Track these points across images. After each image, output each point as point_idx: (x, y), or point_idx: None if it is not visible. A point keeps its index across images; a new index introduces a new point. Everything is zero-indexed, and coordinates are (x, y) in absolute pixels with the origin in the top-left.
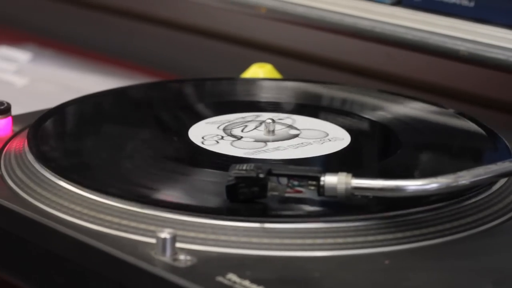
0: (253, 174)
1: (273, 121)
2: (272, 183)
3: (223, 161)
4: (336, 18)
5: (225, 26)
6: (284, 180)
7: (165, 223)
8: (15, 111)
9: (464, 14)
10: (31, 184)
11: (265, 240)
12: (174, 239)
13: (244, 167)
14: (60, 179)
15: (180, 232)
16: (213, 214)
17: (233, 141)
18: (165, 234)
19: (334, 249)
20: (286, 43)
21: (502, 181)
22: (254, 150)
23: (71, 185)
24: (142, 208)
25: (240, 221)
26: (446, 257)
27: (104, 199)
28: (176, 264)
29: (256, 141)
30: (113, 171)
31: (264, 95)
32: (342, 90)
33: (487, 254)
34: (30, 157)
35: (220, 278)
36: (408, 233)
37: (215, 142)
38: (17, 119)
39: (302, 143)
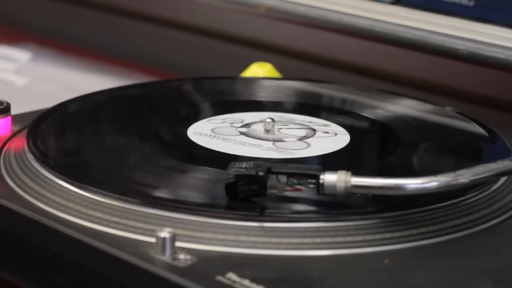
0: (253, 172)
1: (273, 120)
2: (271, 181)
3: (222, 159)
4: (335, 17)
5: (225, 26)
6: (283, 178)
7: (165, 222)
8: (14, 110)
9: (463, 13)
10: (31, 184)
11: (265, 239)
12: (173, 238)
13: (244, 165)
14: (59, 178)
15: (179, 231)
16: (213, 213)
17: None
18: (164, 233)
19: (333, 248)
20: (285, 42)
21: (502, 180)
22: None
23: (71, 184)
24: (141, 207)
25: (239, 220)
26: (446, 256)
27: (103, 198)
28: (176, 263)
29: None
30: (112, 170)
31: (264, 94)
32: (342, 89)
33: (487, 253)
34: (30, 156)
35: (219, 278)
36: (407, 232)
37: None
38: (16, 118)
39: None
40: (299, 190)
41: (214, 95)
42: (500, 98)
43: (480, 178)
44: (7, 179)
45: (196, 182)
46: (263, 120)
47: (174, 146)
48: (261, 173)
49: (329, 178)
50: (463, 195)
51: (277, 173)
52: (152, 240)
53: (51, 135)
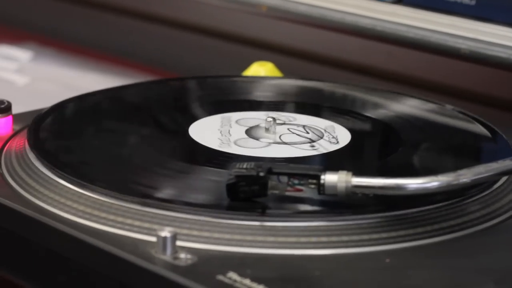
0: (253, 173)
1: (274, 119)
2: (272, 181)
3: (223, 159)
4: (337, 16)
5: (226, 25)
6: (284, 179)
7: (166, 221)
8: (15, 109)
9: (465, 12)
10: (32, 183)
11: (266, 239)
12: (174, 237)
13: (245, 166)
14: (60, 177)
15: (180, 231)
16: (214, 212)
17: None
18: (165, 232)
19: (334, 247)
20: (287, 41)
21: (503, 179)
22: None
23: (72, 183)
24: (142, 206)
25: (240, 220)
26: (447, 255)
27: (104, 197)
28: (177, 262)
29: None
30: (113, 169)
31: (265, 94)
32: (343, 89)
33: (488, 252)
34: (31, 155)
35: (220, 277)
36: (408, 231)
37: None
38: (17, 117)
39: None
40: (300, 190)
41: (215, 93)
42: (502, 97)
43: (481, 177)
44: (8, 178)
45: (197, 182)
46: (263, 119)
47: (175, 145)
48: (262, 174)
49: (329, 178)
50: (464, 195)
51: (278, 174)
52: (153, 239)
53: (52, 134)
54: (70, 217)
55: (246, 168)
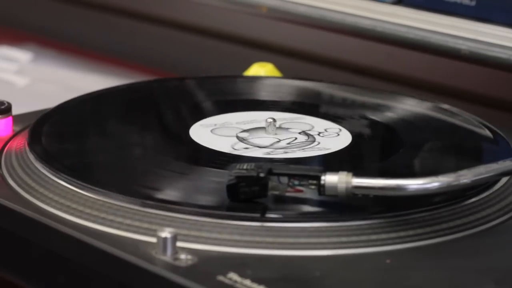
0: (254, 174)
1: (274, 120)
2: (272, 182)
3: (224, 160)
4: (337, 17)
5: (226, 26)
6: (284, 180)
7: (166, 222)
8: (15, 111)
9: (465, 13)
10: (32, 184)
11: (266, 239)
12: (175, 238)
13: (245, 167)
14: (60, 178)
15: (181, 231)
16: (214, 213)
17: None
18: (166, 233)
19: (335, 248)
20: (287, 42)
21: (503, 180)
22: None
23: (72, 184)
24: (143, 207)
25: (240, 220)
26: (448, 256)
27: (104, 198)
28: (177, 263)
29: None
30: (113, 170)
31: (265, 94)
32: (344, 89)
33: (488, 253)
34: (31, 156)
35: (221, 277)
36: (409, 232)
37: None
38: (17, 118)
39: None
40: (300, 191)
41: (215, 94)
42: (502, 97)
43: (482, 178)
44: (8, 179)
45: (197, 182)
46: (263, 120)
47: (176, 146)
48: (262, 174)
49: (330, 179)
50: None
51: (278, 174)
52: (153, 240)
53: (52, 135)
54: (70, 217)
55: (246, 169)
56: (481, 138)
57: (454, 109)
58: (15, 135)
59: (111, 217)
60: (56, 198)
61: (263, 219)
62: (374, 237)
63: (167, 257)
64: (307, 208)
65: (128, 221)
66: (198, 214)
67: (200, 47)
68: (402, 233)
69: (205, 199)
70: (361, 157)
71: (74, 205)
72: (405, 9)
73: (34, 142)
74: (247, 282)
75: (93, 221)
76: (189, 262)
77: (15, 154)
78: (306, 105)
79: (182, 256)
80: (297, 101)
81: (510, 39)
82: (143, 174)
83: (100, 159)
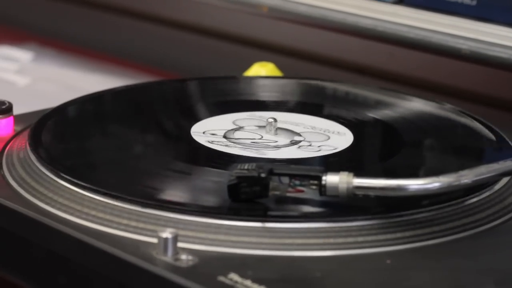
0: (255, 174)
1: (275, 120)
2: (273, 182)
3: (225, 160)
4: (338, 17)
5: (227, 25)
6: (285, 180)
7: (167, 222)
8: (16, 110)
9: (466, 12)
10: (33, 184)
11: (267, 240)
12: (175, 239)
13: (246, 167)
14: (62, 178)
15: (181, 232)
16: (215, 213)
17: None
18: (166, 234)
19: (335, 248)
20: (288, 42)
21: (504, 180)
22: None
23: (73, 185)
24: (144, 208)
25: (241, 221)
26: (448, 256)
27: (105, 199)
28: (178, 264)
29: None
30: (115, 171)
31: (266, 94)
32: (345, 89)
33: (489, 253)
34: (32, 156)
35: (221, 278)
36: (409, 233)
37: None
38: (18, 118)
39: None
40: (301, 191)
41: (216, 94)
42: (503, 97)
43: (483, 178)
44: (9, 179)
45: (198, 183)
46: (264, 120)
47: (177, 147)
48: (263, 175)
49: (331, 179)
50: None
51: (279, 175)
52: (154, 240)
53: (54, 135)
54: (71, 218)
55: (247, 169)
56: (482, 138)
57: (455, 109)
58: (16, 135)
59: (112, 218)
60: (57, 198)
61: (264, 220)
62: (374, 237)
63: (168, 257)
64: (308, 209)
65: (129, 222)
66: (199, 215)
67: (201, 47)
68: (402, 234)
69: (206, 200)
70: (362, 157)
71: (75, 206)
72: (406, 9)
73: (35, 142)
74: (248, 282)
75: (94, 222)
76: (190, 263)
77: (16, 154)
78: (307, 104)
79: (183, 256)
80: (298, 100)
81: (511, 39)
82: (143, 174)
83: (101, 159)
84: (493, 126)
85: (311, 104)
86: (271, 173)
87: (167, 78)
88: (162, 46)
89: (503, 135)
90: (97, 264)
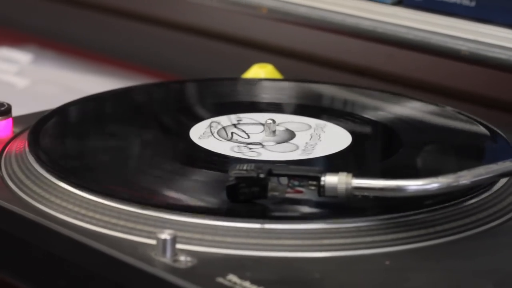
0: (254, 174)
1: (274, 121)
2: (272, 183)
3: (223, 162)
4: (337, 18)
5: (226, 27)
6: (284, 180)
7: (165, 224)
8: (15, 112)
9: (465, 13)
10: (32, 186)
11: (266, 241)
12: (174, 240)
13: (245, 167)
14: (60, 181)
15: (180, 233)
16: (213, 215)
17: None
18: (165, 235)
19: (334, 250)
20: (287, 43)
21: (503, 181)
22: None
23: (72, 186)
24: (142, 209)
25: (240, 222)
26: (447, 257)
27: (104, 201)
28: (177, 265)
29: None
30: (113, 172)
31: (265, 96)
32: (344, 90)
33: (488, 254)
34: (31, 158)
35: (220, 279)
36: (408, 234)
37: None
38: (17, 120)
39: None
40: (300, 192)
41: (215, 96)
42: (502, 98)
43: (481, 179)
44: (8, 181)
45: (197, 184)
46: (263, 121)
47: (176, 148)
48: (262, 175)
49: (330, 180)
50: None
51: (278, 175)
52: (153, 242)
53: (52, 137)
54: (70, 219)
55: (246, 170)
56: (481, 139)
57: (454, 110)
58: (15, 136)
59: (110, 219)
60: (55, 200)
61: (263, 221)
62: (373, 238)
63: (167, 259)
64: (307, 209)
65: (127, 223)
66: (197, 216)
67: (200, 48)
68: (401, 235)
69: (205, 201)
70: (361, 158)
71: (73, 207)
72: (405, 10)
73: (34, 143)
74: (247, 284)
75: (93, 223)
76: (189, 264)
77: (15, 156)
78: (305, 106)
79: (182, 258)
80: (297, 102)
81: (510, 40)
82: (143, 176)
83: (99, 161)
84: (492, 127)
85: (309, 105)
86: (270, 173)
87: (167, 79)
88: (161, 47)
89: (502, 135)
90: (96, 265)
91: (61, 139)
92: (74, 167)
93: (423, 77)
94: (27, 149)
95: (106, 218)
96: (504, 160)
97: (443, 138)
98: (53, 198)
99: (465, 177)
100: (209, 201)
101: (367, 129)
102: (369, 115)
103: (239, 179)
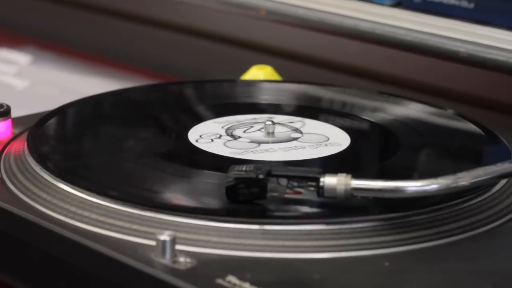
0: (253, 175)
1: (273, 122)
2: (271, 184)
3: (222, 163)
4: (336, 20)
5: (225, 28)
6: (283, 181)
7: (165, 225)
8: (15, 113)
9: (463, 15)
10: (31, 187)
11: (265, 242)
12: (174, 241)
13: (244, 168)
14: (60, 182)
15: (180, 234)
16: (213, 216)
17: (230, 141)
18: (165, 236)
19: (334, 251)
20: (286, 45)
21: (502, 182)
22: (243, 150)
23: (71, 188)
24: (142, 210)
25: (240, 223)
26: (447, 259)
27: (103, 202)
28: (176, 266)
29: (252, 142)
30: (113, 174)
31: (264, 97)
32: (342, 92)
33: (487, 255)
34: (30, 159)
35: (220, 280)
36: (408, 235)
37: (215, 143)
38: (17, 121)
39: (295, 147)
40: (299, 193)
41: (214, 98)
42: (500, 100)
43: (480, 180)
44: (7, 182)
45: (196, 185)
46: (263, 123)
47: (175, 150)
48: (261, 176)
49: (329, 181)
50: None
51: (277, 176)
52: (153, 243)
53: (51, 138)
54: (69, 221)
55: (245, 171)
56: (479, 141)
57: (453, 111)
58: (14, 138)
59: (110, 220)
60: (55, 201)
61: (262, 222)
62: (372, 239)
63: (166, 260)
64: (306, 210)
65: (127, 224)
66: (197, 217)
67: (199, 50)
68: (401, 236)
69: (204, 202)
70: (360, 159)
71: (73, 208)
72: (403, 12)
73: (33, 145)
74: (246, 285)
75: (92, 224)
76: (188, 265)
77: (14, 157)
78: (304, 107)
79: (181, 259)
80: (296, 103)
81: (509, 42)
82: (142, 177)
83: (99, 162)
84: (490, 129)
85: (308, 107)
86: (269, 174)
87: (165, 81)
88: (160, 49)
89: (501, 137)
90: (96, 266)
91: (60, 140)
92: (73, 168)
93: (422, 79)
94: (26, 150)
95: (105, 219)
96: (502, 161)
97: (441, 139)
98: (52, 199)
99: (464, 179)
100: (208, 202)
101: (365, 130)
102: (367, 116)
103: (238, 179)
